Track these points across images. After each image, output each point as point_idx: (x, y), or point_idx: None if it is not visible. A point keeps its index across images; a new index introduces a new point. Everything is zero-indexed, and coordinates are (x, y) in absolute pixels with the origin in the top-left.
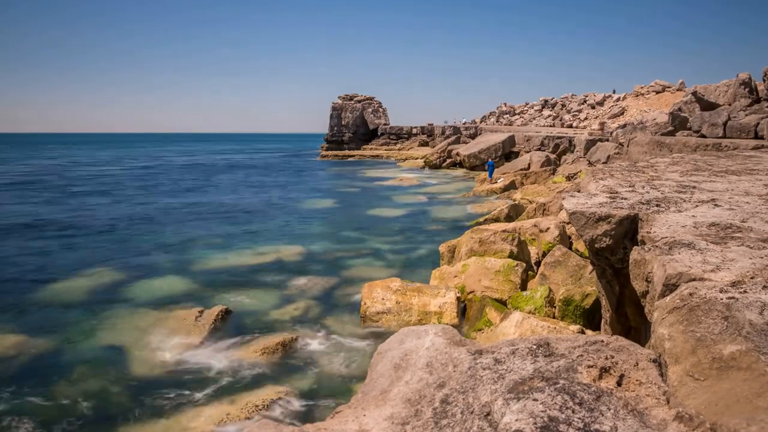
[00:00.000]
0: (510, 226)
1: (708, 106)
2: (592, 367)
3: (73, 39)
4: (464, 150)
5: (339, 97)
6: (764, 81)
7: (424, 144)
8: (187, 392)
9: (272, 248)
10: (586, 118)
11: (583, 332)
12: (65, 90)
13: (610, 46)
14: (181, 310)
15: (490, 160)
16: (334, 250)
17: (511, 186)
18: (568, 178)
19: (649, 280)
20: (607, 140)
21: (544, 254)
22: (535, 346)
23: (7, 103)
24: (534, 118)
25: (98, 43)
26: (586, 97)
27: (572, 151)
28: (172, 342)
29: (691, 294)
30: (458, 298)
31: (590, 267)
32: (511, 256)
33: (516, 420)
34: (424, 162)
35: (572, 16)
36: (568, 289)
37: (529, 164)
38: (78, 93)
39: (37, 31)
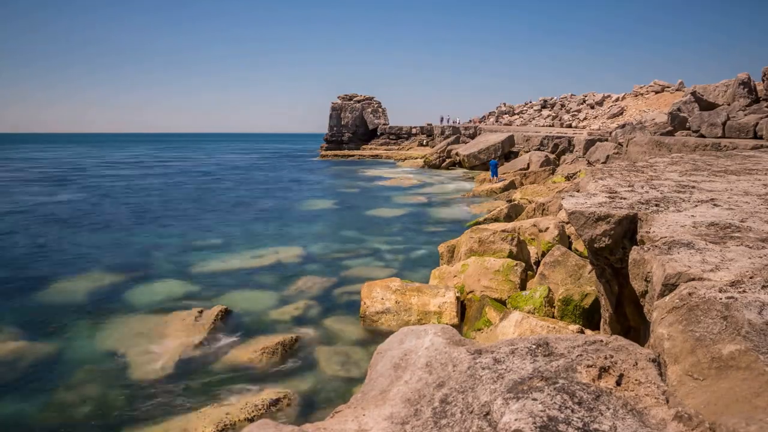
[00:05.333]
0: (509, 225)
1: (707, 106)
2: (591, 366)
3: (64, 38)
4: (464, 150)
5: (338, 97)
6: (763, 81)
7: (424, 144)
8: (186, 392)
9: (272, 248)
10: (585, 118)
11: (582, 332)
12: (56, 90)
13: (609, 46)
14: (180, 311)
15: (493, 159)
16: (333, 250)
17: (511, 186)
18: (568, 177)
19: (648, 279)
20: (606, 140)
21: (544, 254)
22: (534, 346)
23: None
24: (533, 118)
25: (91, 41)
26: (586, 97)
27: (571, 151)
28: (171, 342)
29: (690, 294)
30: (458, 298)
31: (589, 267)
32: (510, 255)
33: (515, 419)
34: (424, 162)
35: (572, 15)
36: (568, 289)
37: (528, 164)
38: (71, 92)
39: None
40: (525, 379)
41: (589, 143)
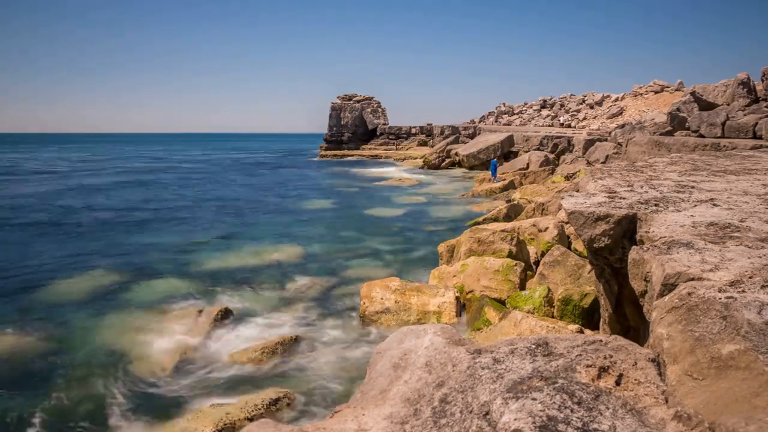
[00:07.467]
0: (509, 225)
1: (706, 106)
2: (590, 366)
3: (60, 37)
4: (463, 150)
5: (338, 97)
6: (763, 81)
7: (423, 144)
8: (186, 392)
9: (271, 248)
10: (584, 118)
11: (581, 332)
12: (51, 89)
13: (609, 46)
14: (180, 310)
15: (493, 159)
16: (333, 249)
17: (510, 186)
18: (567, 177)
19: (647, 279)
20: (606, 140)
21: (543, 254)
22: (533, 346)
23: None
24: (533, 118)
25: (88, 40)
26: (585, 97)
27: (571, 151)
28: (171, 342)
29: (689, 293)
30: (457, 298)
31: (589, 266)
32: (509, 255)
33: (515, 419)
34: (423, 162)
35: (572, 15)
36: (567, 289)
37: (527, 164)
38: (68, 92)
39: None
40: (524, 379)
41: (589, 143)
